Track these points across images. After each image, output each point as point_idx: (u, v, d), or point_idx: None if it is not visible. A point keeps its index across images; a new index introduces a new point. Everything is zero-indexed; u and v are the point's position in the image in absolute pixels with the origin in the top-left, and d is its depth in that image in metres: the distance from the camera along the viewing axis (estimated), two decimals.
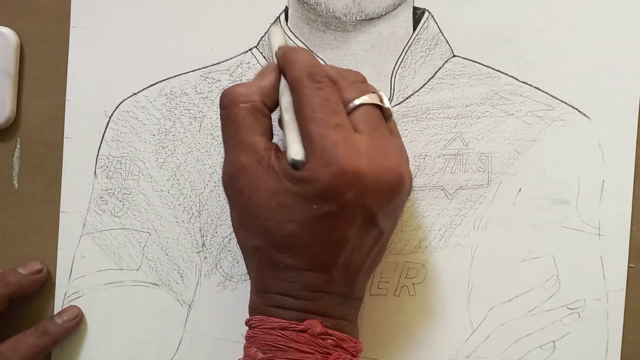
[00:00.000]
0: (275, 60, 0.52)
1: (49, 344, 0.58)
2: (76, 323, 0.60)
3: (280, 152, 0.49)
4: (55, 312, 0.61)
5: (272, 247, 0.49)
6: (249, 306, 0.53)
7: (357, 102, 0.49)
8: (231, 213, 0.52)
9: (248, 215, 0.49)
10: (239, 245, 0.53)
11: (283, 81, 0.51)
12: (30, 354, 0.57)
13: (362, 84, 0.52)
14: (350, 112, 0.49)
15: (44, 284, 0.61)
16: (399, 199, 0.49)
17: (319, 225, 0.47)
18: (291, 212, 0.47)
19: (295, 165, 0.47)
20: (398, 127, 0.59)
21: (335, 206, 0.47)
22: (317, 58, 0.59)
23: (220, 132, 0.60)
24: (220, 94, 0.51)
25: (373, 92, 0.51)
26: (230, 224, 0.59)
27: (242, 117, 0.50)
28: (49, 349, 0.59)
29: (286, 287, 0.49)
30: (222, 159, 0.59)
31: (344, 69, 0.53)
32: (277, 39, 0.54)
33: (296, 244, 0.48)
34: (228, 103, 0.50)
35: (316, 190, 0.46)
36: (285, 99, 0.50)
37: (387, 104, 0.51)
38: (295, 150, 0.47)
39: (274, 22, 0.60)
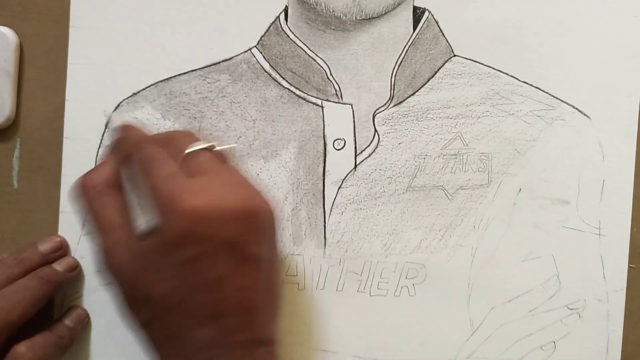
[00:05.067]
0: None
1: (66, 347, 0.59)
2: (85, 325, 0.61)
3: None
4: (55, 313, 0.61)
5: (157, 315, 0.47)
6: None
7: (186, 151, 0.50)
8: (117, 297, 0.51)
9: (127, 294, 0.49)
10: (133, 329, 0.51)
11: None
12: (51, 355, 0.58)
13: (191, 137, 0.52)
14: (182, 162, 0.49)
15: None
16: (258, 223, 0.48)
17: (189, 273, 0.46)
18: (160, 272, 0.46)
19: (145, 233, 0.47)
20: (398, 126, 0.60)
21: (193, 248, 0.46)
22: (317, 57, 0.59)
23: (219, 133, 0.60)
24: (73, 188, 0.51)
25: (204, 141, 0.51)
26: None
27: (92, 201, 0.50)
28: (65, 352, 0.59)
29: (186, 356, 0.47)
30: None
31: (173, 131, 0.55)
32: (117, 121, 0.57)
33: (178, 301, 0.46)
34: (78, 193, 0.51)
35: (169, 240, 0.45)
36: (128, 181, 0.52)
37: (220, 146, 0.51)
38: (140, 220, 0.48)
39: (273, 22, 0.60)
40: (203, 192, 0.46)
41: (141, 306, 0.48)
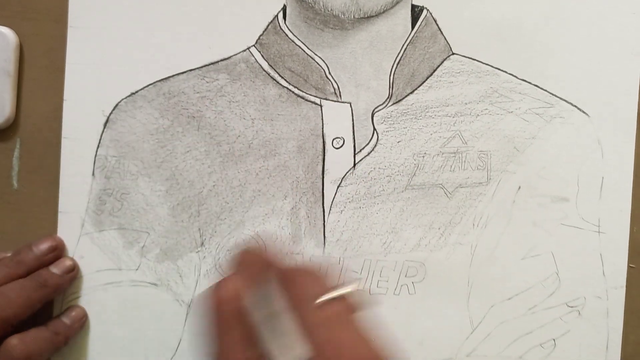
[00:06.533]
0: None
1: (61, 343, 0.59)
2: (82, 323, 0.61)
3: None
4: (54, 313, 0.61)
5: None
6: None
7: (324, 298, 0.49)
8: None
9: None
10: None
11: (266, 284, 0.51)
12: (44, 350, 0.57)
13: (319, 280, 0.50)
14: (321, 306, 0.48)
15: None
16: None
17: None
18: None
19: None
20: (397, 125, 0.60)
21: None
22: (316, 56, 0.59)
23: (218, 132, 0.60)
24: (208, 295, 0.49)
25: (334, 289, 0.50)
26: (229, 223, 0.60)
27: (224, 322, 0.49)
28: (59, 348, 0.59)
29: None
30: (221, 159, 0.59)
31: (300, 268, 0.52)
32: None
33: None
34: (213, 307, 0.49)
35: None
36: (273, 304, 0.50)
37: (355, 295, 0.50)
38: (303, 349, 0.46)
39: (271, 21, 0.60)
40: (351, 350, 0.46)
41: None
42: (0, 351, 0.55)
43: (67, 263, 0.60)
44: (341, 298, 0.50)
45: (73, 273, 0.60)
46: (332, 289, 0.50)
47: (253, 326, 0.49)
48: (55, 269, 0.59)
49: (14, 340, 0.55)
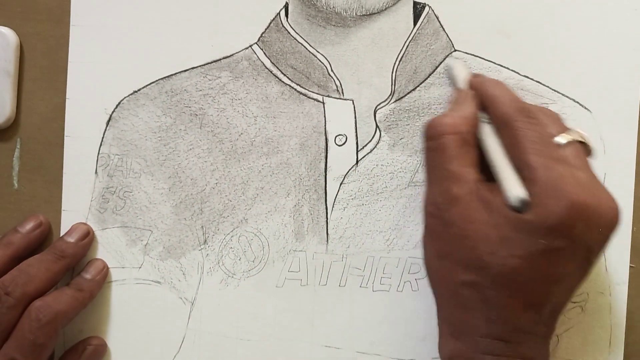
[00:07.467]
0: (462, 88, 0.56)
1: (86, 298, 0.59)
2: (104, 275, 0.60)
3: (489, 184, 0.50)
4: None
5: (488, 283, 0.48)
6: (445, 353, 0.52)
7: (564, 139, 0.50)
8: (430, 244, 0.52)
9: (460, 247, 0.49)
10: (435, 281, 0.53)
11: (484, 124, 0.53)
12: (70, 307, 0.56)
13: (561, 122, 0.52)
14: (551, 145, 0.50)
15: (46, 238, 0.61)
16: (611, 236, 0.49)
17: (543, 261, 0.46)
18: (515, 246, 0.46)
19: (521, 204, 0.47)
20: (400, 122, 0.60)
21: (564, 241, 0.46)
22: (318, 53, 0.59)
23: (220, 130, 0.60)
24: (427, 125, 0.53)
25: (573, 130, 0.51)
26: (232, 220, 0.59)
27: (452, 148, 0.50)
28: (86, 303, 0.59)
29: (496, 329, 0.48)
30: (224, 157, 0.59)
31: (539, 106, 0.54)
32: (462, 71, 0.57)
33: (515, 280, 0.47)
34: (436, 134, 0.51)
35: (547, 224, 0.46)
36: (491, 139, 0.52)
37: (590, 141, 0.52)
38: (520, 191, 0.47)
39: (274, 18, 0.60)
40: (588, 189, 0.47)
41: (466, 265, 0.48)
42: (25, 317, 0.54)
43: (81, 229, 0.60)
44: (578, 141, 0.50)
45: (89, 238, 0.60)
46: (570, 130, 0.51)
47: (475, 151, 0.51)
48: (69, 237, 0.59)
49: (37, 303, 0.55)
